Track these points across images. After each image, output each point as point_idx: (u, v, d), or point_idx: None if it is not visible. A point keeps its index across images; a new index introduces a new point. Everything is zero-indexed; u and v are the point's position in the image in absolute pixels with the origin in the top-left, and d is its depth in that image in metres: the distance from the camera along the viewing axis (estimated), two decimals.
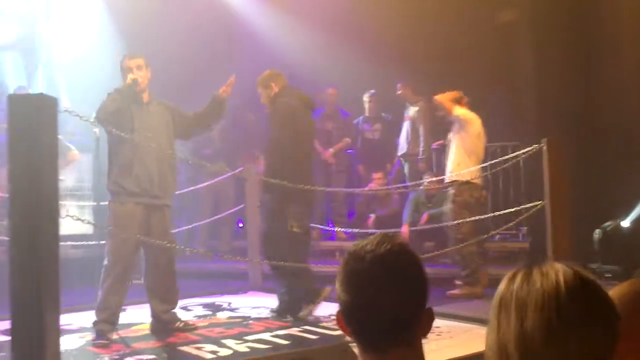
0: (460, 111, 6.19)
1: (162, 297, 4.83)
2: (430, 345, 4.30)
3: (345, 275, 1.35)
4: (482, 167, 6.31)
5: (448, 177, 6.21)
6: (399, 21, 8.51)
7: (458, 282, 6.18)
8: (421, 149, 7.86)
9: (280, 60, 8.51)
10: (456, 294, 6.06)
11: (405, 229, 7.28)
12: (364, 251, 1.33)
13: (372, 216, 7.88)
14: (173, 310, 4.91)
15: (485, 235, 6.12)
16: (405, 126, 8.03)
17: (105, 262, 4.57)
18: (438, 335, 4.70)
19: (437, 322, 4.98)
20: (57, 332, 3.00)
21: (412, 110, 7.96)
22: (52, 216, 2.98)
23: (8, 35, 8.04)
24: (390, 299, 1.30)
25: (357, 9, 8.62)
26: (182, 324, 4.89)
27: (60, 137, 6.12)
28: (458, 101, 6.25)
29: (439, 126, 7.84)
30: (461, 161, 6.08)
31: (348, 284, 1.34)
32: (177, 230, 6.54)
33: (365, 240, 1.37)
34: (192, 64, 8.12)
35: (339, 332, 4.62)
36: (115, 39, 7.90)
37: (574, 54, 7.70)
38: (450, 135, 6.33)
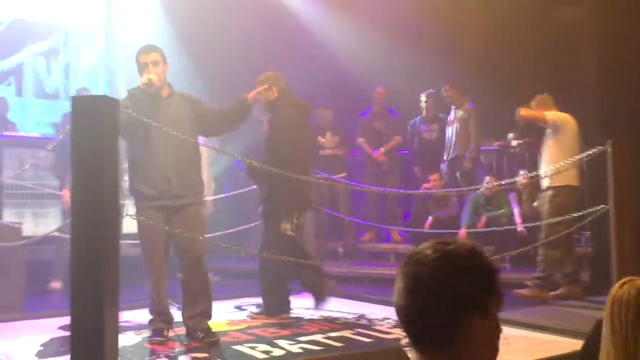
0: (553, 115, 6.07)
1: (188, 301, 4.54)
2: None
3: (401, 279, 1.37)
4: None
5: (545, 177, 6.05)
6: (457, 19, 8.41)
7: (528, 283, 6.08)
8: (470, 148, 7.70)
9: (335, 59, 8.56)
10: (524, 294, 5.96)
11: (463, 232, 7.18)
12: (420, 256, 1.35)
13: (430, 218, 7.79)
14: (201, 318, 4.54)
15: (548, 239, 5.98)
16: (451, 130, 7.88)
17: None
18: None
19: None
20: (116, 328, 3.05)
21: (459, 113, 7.82)
22: (113, 215, 3.04)
23: (58, 38, 8.28)
24: (433, 305, 1.33)
25: (414, 8, 8.55)
26: (202, 334, 4.49)
27: None
28: (545, 104, 6.15)
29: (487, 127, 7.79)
30: (559, 162, 5.83)
31: (408, 292, 1.35)
32: (231, 230, 6.62)
33: (428, 248, 1.37)
34: (249, 63, 8.19)
35: (393, 336, 4.63)
36: (172, 39, 8.04)
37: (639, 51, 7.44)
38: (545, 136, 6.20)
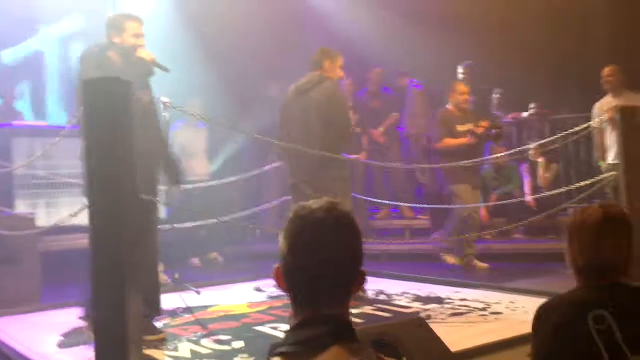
0: None
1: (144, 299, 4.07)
2: (503, 322, 4.23)
3: (292, 237, 1.42)
4: (553, 139, 6.15)
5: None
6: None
7: None
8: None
9: (350, 40, 8.49)
10: None
11: (483, 211, 7.17)
12: (313, 217, 1.41)
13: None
14: (150, 319, 4.24)
15: (557, 208, 5.96)
16: None
17: None
18: (513, 310, 4.62)
19: (512, 297, 4.93)
20: (139, 314, 3.05)
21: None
22: (130, 200, 3.01)
23: (75, 24, 8.21)
24: (334, 264, 1.39)
25: None
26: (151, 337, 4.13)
27: None
28: None
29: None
30: None
31: (294, 245, 1.41)
32: (247, 211, 6.60)
33: (314, 204, 1.43)
34: (263, 52, 8.16)
35: (412, 309, 4.62)
36: (183, 26, 7.99)
37: None
38: None
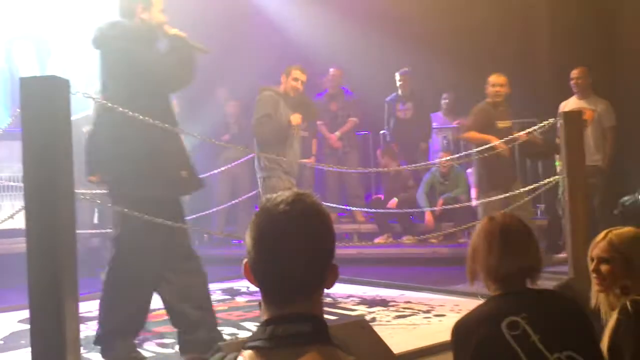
0: None
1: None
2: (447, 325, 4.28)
3: (257, 231, 1.36)
4: (497, 144, 6.26)
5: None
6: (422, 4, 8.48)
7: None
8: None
9: (296, 43, 8.49)
10: (563, 257, 5.90)
11: (429, 216, 7.28)
12: (277, 210, 1.35)
13: (395, 200, 7.82)
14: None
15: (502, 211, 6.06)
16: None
17: None
18: (457, 313, 4.69)
19: (456, 300, 4.99)
20: (76, 319, 2.99)
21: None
22: (68, 202, 2.95)
23: (20, 24, 8.02)
24: (301, 259, 1.33)
25: None
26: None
27: None
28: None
29: None
30: None
31: (259, 240, 1.36)
32: (195, 215, 6.53)
33: (279, 196, 1.37)
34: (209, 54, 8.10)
35: (357, 312, 4.64)
36: None
37: (592, 33, 7.62)
38: None
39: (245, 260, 1.41)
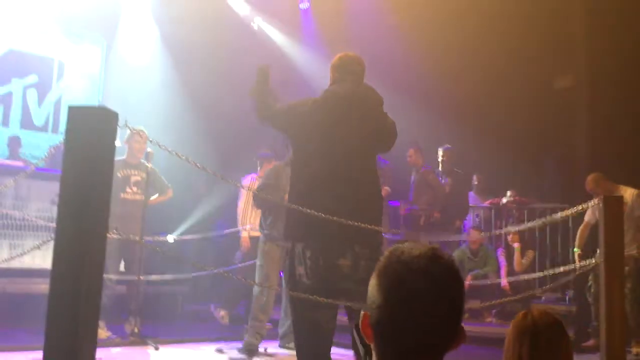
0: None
1: None
2: None
3: (389, 284, 1.25)
4: (529, 227, 6.19)
5: None
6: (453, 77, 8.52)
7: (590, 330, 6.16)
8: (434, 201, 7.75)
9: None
10: (591, 345, 5.92)
11: None
12: (417, 265, 1.24)
13: None
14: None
15: (527, 294, 5.99)
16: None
17: None
18: None
19: None
20: None
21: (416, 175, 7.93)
22: (99, 244, 2.83)
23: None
24: (436, 320, 1.24)
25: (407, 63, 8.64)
26: None
27: (162, 177, 6.16)
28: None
29: None
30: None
31: (391, 296, 1.24)
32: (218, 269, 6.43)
33: (414, 249, 1.27)
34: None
35: None
36: (169, 71, 8.00)
37: (629, 119, 7.57)
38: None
39: (365, 312, 1.29)
